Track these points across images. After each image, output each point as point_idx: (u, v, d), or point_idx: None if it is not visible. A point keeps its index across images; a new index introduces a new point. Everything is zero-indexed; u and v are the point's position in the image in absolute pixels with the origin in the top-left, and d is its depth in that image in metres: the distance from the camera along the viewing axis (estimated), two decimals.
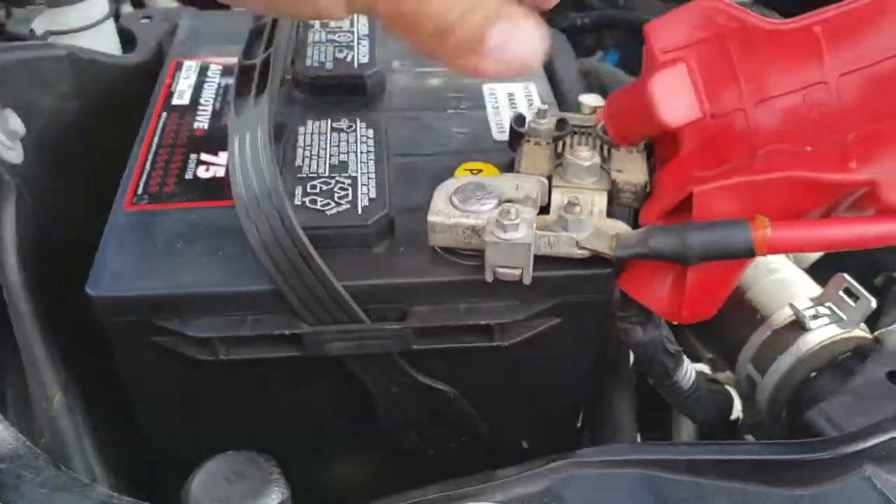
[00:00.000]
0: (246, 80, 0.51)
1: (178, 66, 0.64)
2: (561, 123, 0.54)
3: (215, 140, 0.56)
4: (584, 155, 0.50)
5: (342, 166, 0.52)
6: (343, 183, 0.50)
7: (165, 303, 0.45)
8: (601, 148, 0.53)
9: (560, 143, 0.53)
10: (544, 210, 0.49)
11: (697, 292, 0.46)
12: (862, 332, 0.51)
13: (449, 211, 0.46)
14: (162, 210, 0.50)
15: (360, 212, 0.48)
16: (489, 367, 0.49)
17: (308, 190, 0.49)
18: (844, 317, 0.50)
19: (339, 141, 0.54)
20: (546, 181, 0.49)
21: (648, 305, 0.48)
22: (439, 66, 0.63)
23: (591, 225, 0.46)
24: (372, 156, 0.53)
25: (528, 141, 0.53)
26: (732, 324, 0.54)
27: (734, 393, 0.59)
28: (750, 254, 0.44)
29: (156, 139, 0.56)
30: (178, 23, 0.71)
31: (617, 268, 0.47)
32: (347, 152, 0.53)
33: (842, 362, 0.48)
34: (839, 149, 0.45)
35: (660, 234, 0.44)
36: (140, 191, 0.51)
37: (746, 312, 0.53)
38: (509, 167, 0.54)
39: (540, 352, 0.49)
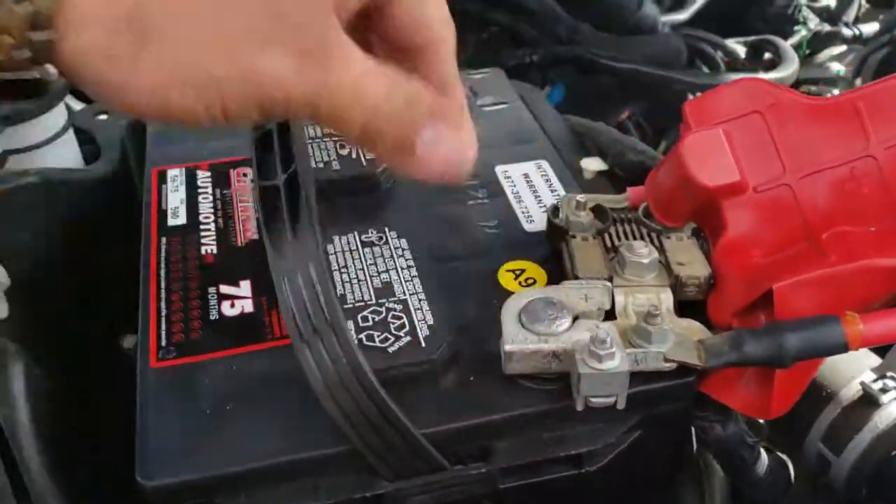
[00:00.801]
0: (272, 206, 0.47)
1: (162, 177, 0.59)
2: (601, 213, 0.52)
3: (231, 266, 0.51)
4: (642, 251, 0.47)
5: (387, 289, 0.48)
6: (395, 310, 0.46)
7: (229, 481, 0.40)
8: (650, 237, 0.50)
9: (607, 235, 0.51)
10: (608, 313, 0.46)
11: (785, 387, 0.45)
12: None
13: (524, 336, 0.42)
14: (197, 364, 0.45)
15: (423, 344, 0.44)
16: (574, 492, 0.46)
17: (361, 324, 0.45)
18: None
19: (374, 257, 0.50)
20: (609, 284, 0.46)
21: (735, 407, 0.46)
22: None
23: (673, 333, 0.43)
24: (414, 271, 0.49)
25: (574, 237, 0.50)
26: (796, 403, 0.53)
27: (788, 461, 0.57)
28: (843, 350, 0.42)
29: (163, 273, 0.50)
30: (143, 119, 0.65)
31: (701, 373, 0.45)
32: (387, 270, 0.49)
33: None
34: None
35: (751, 340, 0.42)
36: (164, 342, 0.46)
37: (810, 390, 0.52)
38: (550, 262, 0.52)
39: (623, 467, 0.46)
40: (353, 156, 0.58)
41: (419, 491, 0.42)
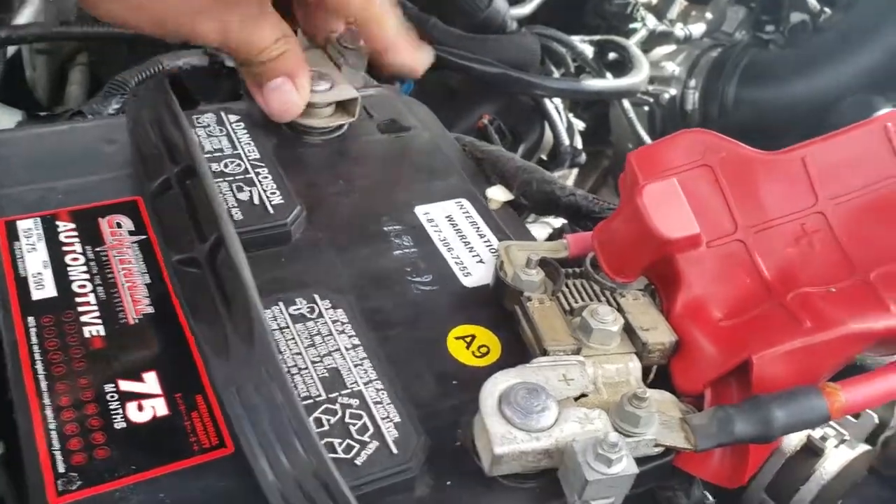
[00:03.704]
0: (194, 287, 0.38)
1: (12, 231, 0.47)
2: (548, 268, 0.48)
3: (127, 352, 0.41)
4: (608, 318, 0.44)
5: (336, 378, 0.41)
6: (351, 406, 0.39)
7: None
8: (605, 295, 0.47)
9: (561, 295, 0.47)
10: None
11: (759, 455, 0.44)
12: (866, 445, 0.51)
13: (512, 435, 0.38)
14: (112, 495, 0.35)
15: (394, 450, 0.38)
16: None
17: (316, 429, 0.38)
18: (848, 435, 0.50)
19: (310, 336, 0.43)
20: (583, 360, 0.43)
21: (706, 478, 0.44)
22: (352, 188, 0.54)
23: (656, 415, 0.41)
24: (361, 351, 0.42)
25: (531, 299, 0.46)
26: None
27: None
28: (826, 421, 0.42)
29: (39, 367, 0.40)
30: None
31: None
32: (330, 352, 0.42)
33: (863, 484, 0.49)
34: (866, 290, 0.44)
35: (739, 420, 0.40)
36: (62, 468, 0.36)
37: None
38: (498, 323, 0.47)
39: None
40: (256, 201, 0.50)
41: None
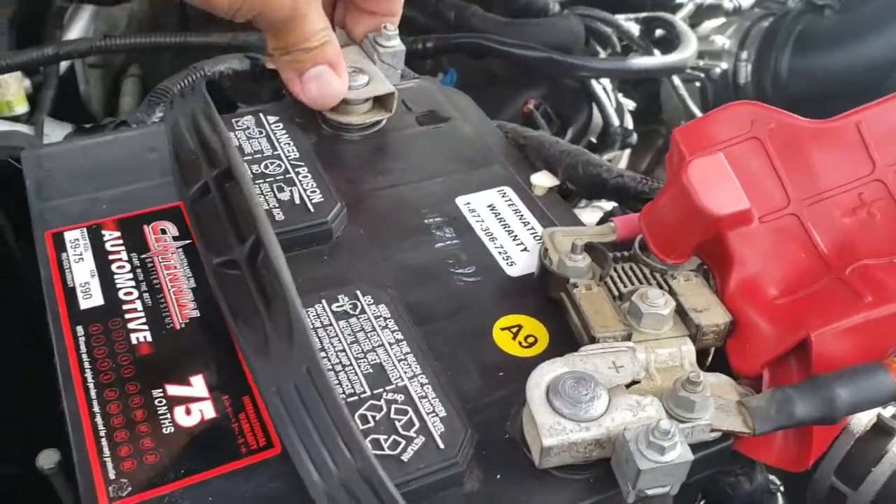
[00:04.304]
0: (234, 288, 0.38)
1: (59, 242, 0.48)
2: (595, 253, 0.47)
3: (174, 358, 0.42)
4: (659, 301, 0.43)
5: (380, 374, 0.40)
6: (396, 402, 0.39)
7: None
8: (655, 277, 0.46)
9: (609, 281, 0.45)
10: None
11: (823, 436, 0.42)
12: None
13: (562, 425, 0.37)
14: (162, 500, 0.36)
15: (441, 444, 0.37)
16: None
17: (361, 425, 0.38)
18: None
19: (353, 332, 0.42)
20: (633, 346, 0.41)
21: (771, 463, 0.42)
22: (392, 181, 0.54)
23: (712, 400, 0.39)
24: (405, 346, 0.42)
25: (577, 286, 0.44)
26: None
27: None
28: (894, 398, 0.39)
29: (89, 375, 0.41)
30: (22, 169, 0.53)
31: None
32: (373, 348, 0.42)
33: None
34: None
35: (800, 401, 0.39)
36: (112, 474, 0.36)
37: None
38: (545, 312, 0.46)
39: None
40: (297, 200, 0.49)
41: None
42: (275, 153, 0.53)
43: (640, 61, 0.96)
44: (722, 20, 1.21)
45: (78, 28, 1.10)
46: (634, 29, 1.07)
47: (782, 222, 0.45)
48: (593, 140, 1.04)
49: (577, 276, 0.45)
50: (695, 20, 1.20)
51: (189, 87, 0.51)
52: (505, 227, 0.51)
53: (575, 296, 0.44)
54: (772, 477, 0.47)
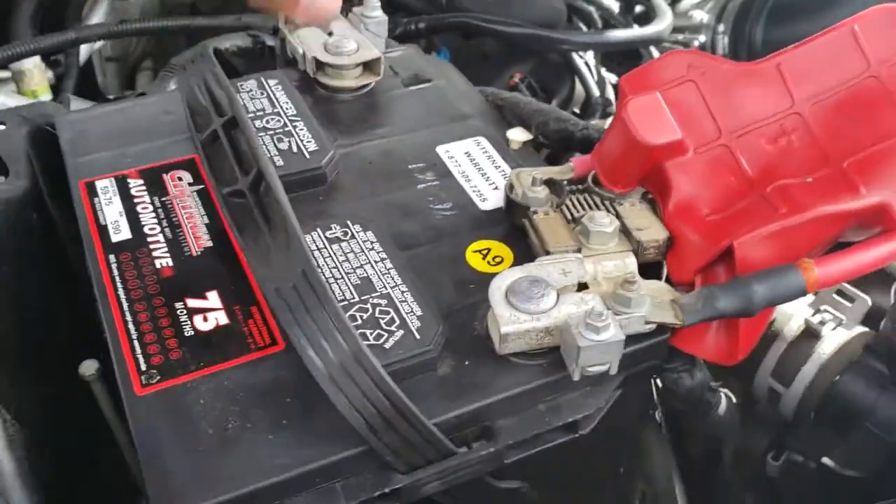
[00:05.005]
0: (241, 212, 0.45)
1: (91, 189, 0.55)
2: (555, 186, 0.53)
3: (192, 278, 0.49)
4: (604, 220, 0.49)
5: (367, 284, 0.47)
6: (381, 305, 0.46)
7: (248, 500, 0.39)
8: (605, 205, 0.53)
9: (564, 207, 0.52)
10: (581, 284, 0.48)
11: (748, 332, 0.48)
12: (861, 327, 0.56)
13: (516, 316, 0.44)
14: (185, 385, 0.43)
15: (417, 335, 0.44)
16: (568, 456, 0.48)
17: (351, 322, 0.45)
18: (844, 318, 0.54)
19: (344, 254, 0.49)
20: (581, 256, 0.48)
21: (705, 356, 0.49)
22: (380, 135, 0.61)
23: (647, 296, 0.46)
24: (388, 263, 0.49)
25: (536, 213, 0.51)
26: None
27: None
28: (804, 294, 0.46)
29: (121, 293, 0.48)
30: (55, 127, 0.61)
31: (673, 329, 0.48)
32: (362, 265, 0.49)
33: (860, 361, 0.53)
34: (840, 177, 0.48)
35: (722, 296, 0.45)
36: (143, 366, 0.44)
37: None
38: (511, 238, 0.53)
39: (607, 427, 0.48)
40: (294, 149, 0.57)
41: (433, 479, 0.43)
42: (275, 110, 0.60)
43: (616, 34, 1.02)
44: None
45: (96, 19, 1.17)
46: (615, 6, 1.14)
47: (715, 152, 0.51)
48: (576, 111, 1.10)
49: (537, 204, 0.52)
50: None
51: (199, 55, 0.58)
52: (479, 170, 0.59)
53: (534, 220, 0.51)
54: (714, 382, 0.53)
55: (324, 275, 0.48)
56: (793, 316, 0.56)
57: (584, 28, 1.13)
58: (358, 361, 0.39)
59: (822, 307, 0.56)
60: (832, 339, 0.54)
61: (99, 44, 1.16)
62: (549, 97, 1.08)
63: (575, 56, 1.06)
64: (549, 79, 1.10)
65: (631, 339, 0.46)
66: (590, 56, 1.11)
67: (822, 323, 0.55)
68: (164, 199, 0.55)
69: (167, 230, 0.52)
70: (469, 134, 0.62)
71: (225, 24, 0.88)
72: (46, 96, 1.02)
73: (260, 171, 0.46)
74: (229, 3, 1.24)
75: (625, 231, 0.50)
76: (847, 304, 0.55)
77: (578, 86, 1.09)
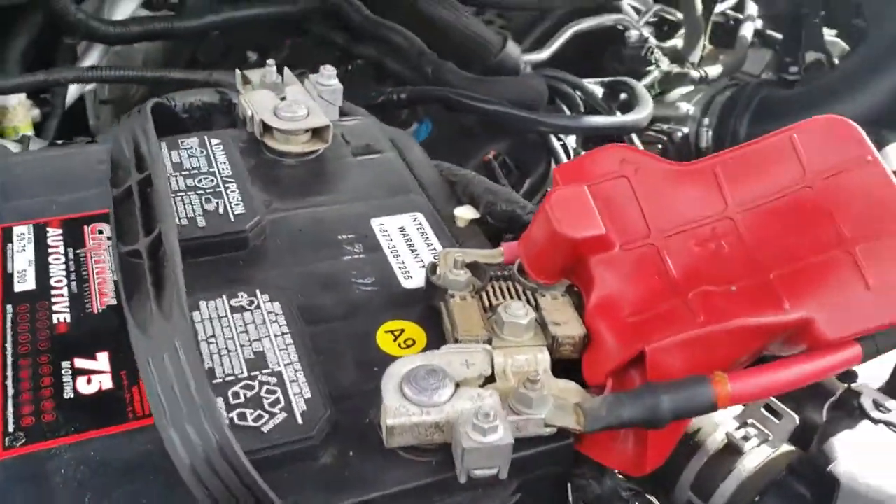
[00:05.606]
0: (133, 275, 0.44)
1: (7, 235, 0.54)
2: (478, 271, 0.52)
3: (86, 337, 0.47)
4: (519, 312, 0.47)
5: (260, 360, 0.45)
6: (269, 383, 0.44)
7: None
8: (526, 295, 0.51)
9: (484, 293, 0.51)
10: (488, 376, 0.46)
11: (658, 444, 0.46)
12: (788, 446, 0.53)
13: (406, 408, 0.41)
14: (49, 451, 0.41)
15: (300, 420, 0.42)
16: None
17: (231, 400, 0.43)
18: (770, 434, 0.52)
19: (244, 324, 0.48)
20: (490, 348, 0.46)
21: (612, 465, 0.47)
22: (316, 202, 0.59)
23: (552, 397, 0.44)
24: (288, 338, 0.47)
25: (453, 296, 0.49)
26: None
27: None
28: (713, 409, 0.44)
29: (9, 346, 0.46)
30: None
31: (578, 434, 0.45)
32: (259, 338, 0.47)
33: (782, 481, 0.50)
34: (765, 288, 0.46)
35: (628, 404, 0.43)
36: (11, 427, 0.42)
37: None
38: (428, 320, 0.51)
39: None
40: (220, 210, 0.55)
41: None
42: (210, 170, 0.59)
43: (593, 119, 1.02)
44: (690, 88, 1.28)
45: (90, 62, 1.18)
46: (599, 91, 1.14)
47: (642, 251, 0.50)
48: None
49: (456, 288, 0.50)
50: (665, 87, 1.27)
51: (138, 109, 0.57)
52: (410, 246, 0.57)
53: (450, 304, 0.49)
54: (626, 486, 0.50)
55: (216, 346, 0.46)
56: (717, 427, 0.53)
57: (567, 111, 1.13)
58: (223, 455, 0.37)
59: (749, 420, 0.53)
60: (755, 457, 0.51)
61: (91, 85, 1.17)
62: (524, 176, 1.08)
63: (552, 138, 1.05)
64: (526, 158, 1.09)
65: (529, 441, 0.43)
66: (571, 139, 1.10)
67: (746, 438, 0.52)
68: (78, 251, 0.53)
69: (73, 284, 0.51)
70: (408, 209, 0.61)
71: (197, 79, 0.88)
72: (29, 133, 1.02)
73: (160, 233, 0.44)
74: (227, 57, 1.26)
75: (542, 324, 0.48)
76: (774, 420, 0.52)
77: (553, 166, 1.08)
